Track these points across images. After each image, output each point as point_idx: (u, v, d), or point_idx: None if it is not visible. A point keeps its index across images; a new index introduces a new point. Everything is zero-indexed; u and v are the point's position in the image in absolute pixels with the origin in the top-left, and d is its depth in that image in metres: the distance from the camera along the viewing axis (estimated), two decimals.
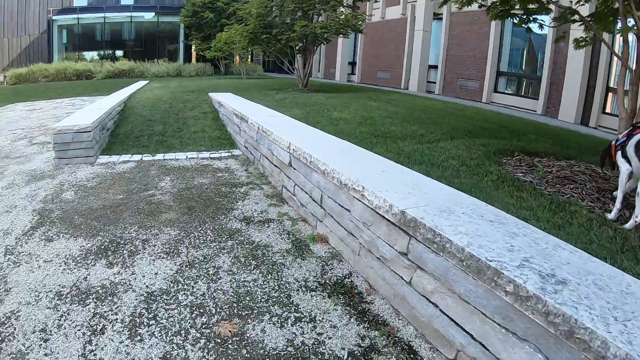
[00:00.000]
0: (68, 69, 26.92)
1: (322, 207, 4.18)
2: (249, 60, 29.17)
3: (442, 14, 19.34)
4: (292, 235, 4.29)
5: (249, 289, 3.29)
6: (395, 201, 3.04)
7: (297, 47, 14.00)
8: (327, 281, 3.44)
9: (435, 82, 20.22)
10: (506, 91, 17.38)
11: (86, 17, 33.63)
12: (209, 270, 3.54)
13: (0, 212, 4.94)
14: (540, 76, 15.30)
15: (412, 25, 20.92)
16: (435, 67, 20.24)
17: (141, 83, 18.56)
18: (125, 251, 3.86)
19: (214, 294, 3.21)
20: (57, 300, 3.17)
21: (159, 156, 7.12)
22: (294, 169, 4.84)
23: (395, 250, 3.02)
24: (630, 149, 4.14)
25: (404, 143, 6.10)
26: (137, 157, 7.08)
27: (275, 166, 5.52)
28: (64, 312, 3.01)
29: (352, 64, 27.01)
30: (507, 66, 17.50)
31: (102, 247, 3.95)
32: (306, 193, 4.56)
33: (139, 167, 6.48)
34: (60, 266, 3.64)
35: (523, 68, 17.37)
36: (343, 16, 13.36)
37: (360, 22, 13.50)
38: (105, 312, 3.01)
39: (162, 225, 4.40)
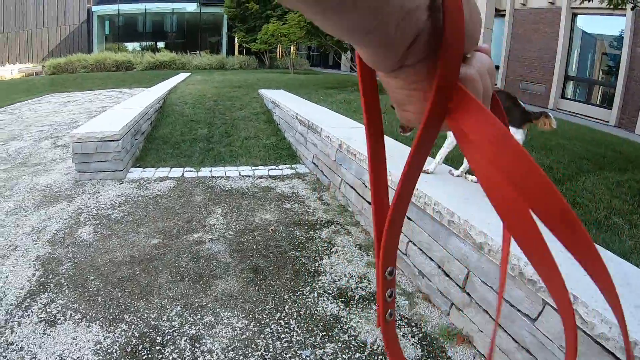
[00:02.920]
0: (107, 59, 25.95)
1: (466, 291, 2.64)
2: (294, 53, 27.59)
3: (504, 10, 17.41)
4: (416, 326, 2.79)
5: None
6: None
7: None
8: None
9: (495, 84, 18.26)
10: (575, 98, 15.40)
11: (126, 8, 32.73)
12: None
13: None
14: (615, 83, 13.28)
15: None
16: (496, 67, 18.33)
17: (183, 75, 17.27)
18: None
19: None
20: None
21: (205, 171, 5.64)
22: (409, 218, 3.26)
23: None
24: None
25: None
26: (177, 171, 5.62)
27: (370, 204, 3.95)
28: None
29: None
30: (576, 70, 15.50)
31: (129, 348, 2.46)
32: (431, 260, 3.01)
33: (180, 189, 5.00)
34: None
35: (594, 73, 15.33)
36: None
37: None
38: None
39: (218, 305, 2.89)
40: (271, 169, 5.79)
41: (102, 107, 11.42)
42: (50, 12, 32.44)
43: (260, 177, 5.49)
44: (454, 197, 2.99)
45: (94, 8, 32.22)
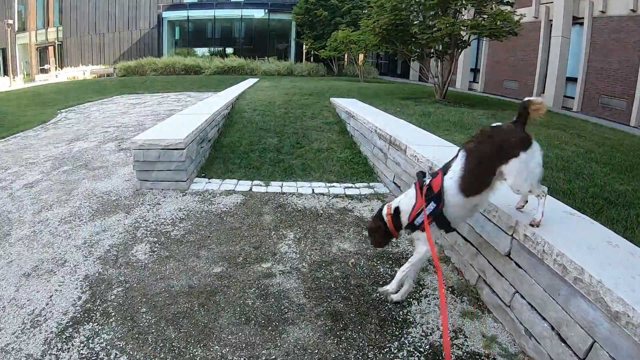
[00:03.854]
0: (177, 63, 26.67)
1: None
2: (363, 61, 26.93)
3: (582, 18, 16.20)
4: None
5: None
6: None
7: (436, 49, 11.71)
8: None
9: (573, 98, 16.93)
10: None
11: (196, 14, 33.97)
12: None
13: (41, 271, 3.25)
14: None
15: (546, 31, 17.87)
16: (574, 79, 17.02)
17: (251, 81, 17.21)
18: None
19: None
20: None
21: (275, 186, 5.22)
22: (518, 266, 2.67)
23: None
24: None
25: None
26: (244, 185, 5.23)
27: (467, 241, 3.35)
28: None
29: (474, 70, 24.15)
30: None
31: None
32: (543, 319, 2.43)
33: (248, 206, 4.58)
34: None
35: None
36: (493, 14, 10.69)
37: (517, 22, 10.81)
38: None
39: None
40: (347, 187, 5.29)
41: (170, 109, 11.35)
42: (122, 17, 33.98)
43: (336, 195, 4.99)
44: (575, 245, 2.36)
45: (165, 14, 33.51)
